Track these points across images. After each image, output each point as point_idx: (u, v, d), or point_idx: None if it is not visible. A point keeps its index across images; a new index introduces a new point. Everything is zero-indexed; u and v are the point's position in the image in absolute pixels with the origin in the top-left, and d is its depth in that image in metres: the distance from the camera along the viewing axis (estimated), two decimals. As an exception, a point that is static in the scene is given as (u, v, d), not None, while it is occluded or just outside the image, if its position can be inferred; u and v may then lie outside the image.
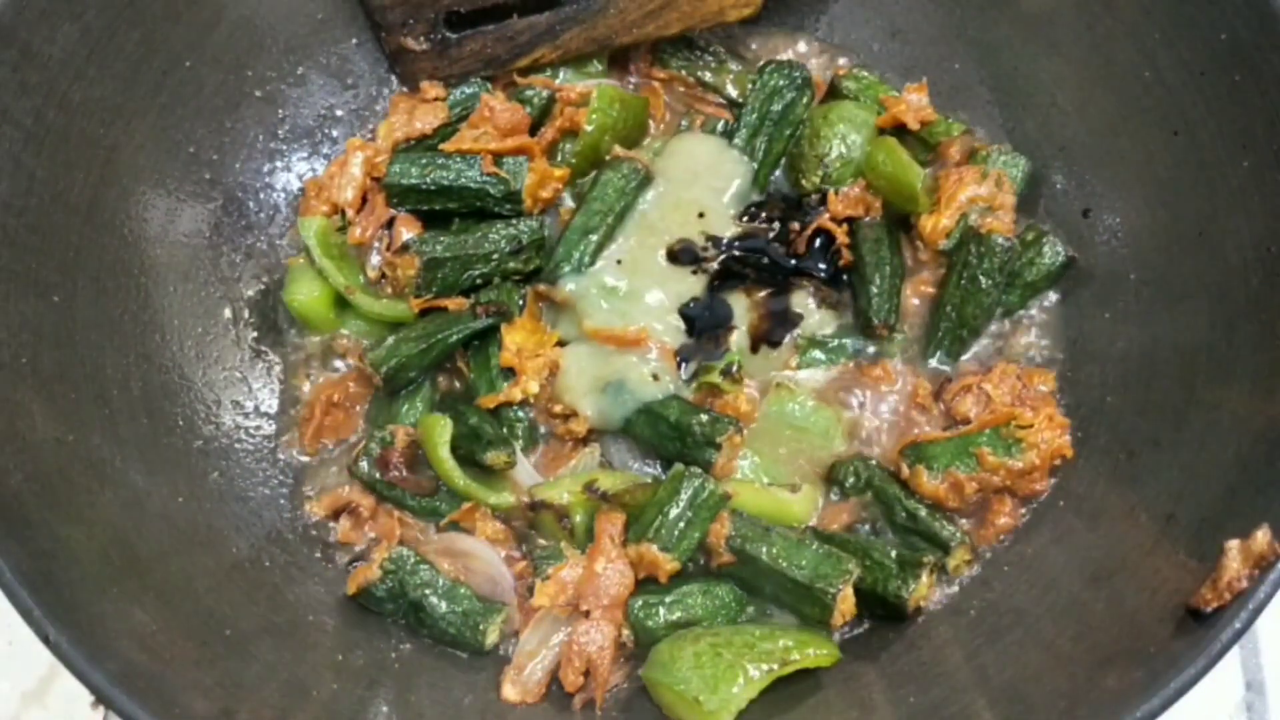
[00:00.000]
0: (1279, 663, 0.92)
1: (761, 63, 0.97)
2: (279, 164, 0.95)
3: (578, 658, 0.79)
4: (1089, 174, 0.90)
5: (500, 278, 0.90)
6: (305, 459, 0.89)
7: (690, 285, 0.89)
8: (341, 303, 0.92)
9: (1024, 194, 0.92)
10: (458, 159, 0.90)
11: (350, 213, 0.92)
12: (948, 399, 0.87)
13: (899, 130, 0.93)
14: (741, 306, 0.89)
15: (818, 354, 0.90)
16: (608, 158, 0.92)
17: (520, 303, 0.90)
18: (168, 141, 0.88)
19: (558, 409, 0.87)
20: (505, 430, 0.87)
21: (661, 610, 0.80)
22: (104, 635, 0.70)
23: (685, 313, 0.89)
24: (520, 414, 0.89)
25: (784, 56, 0.99)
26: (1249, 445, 0.74)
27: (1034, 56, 0.92)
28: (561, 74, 0.97)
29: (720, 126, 0.96)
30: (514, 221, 0.90)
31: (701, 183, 0.93)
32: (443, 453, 0.84)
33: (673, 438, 0.85)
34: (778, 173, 0.96)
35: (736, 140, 0.95)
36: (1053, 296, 0.91)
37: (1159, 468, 0.79)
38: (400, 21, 0.94)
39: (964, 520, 0.85)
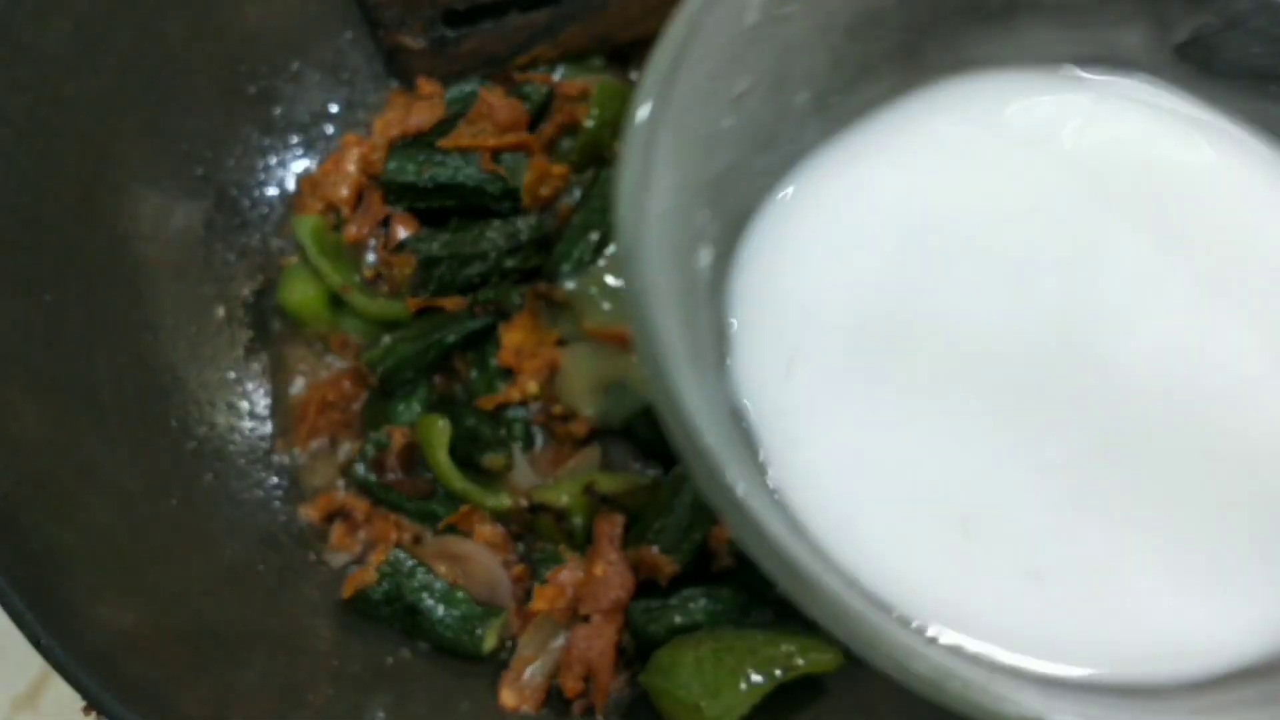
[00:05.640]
0: None
1: (763, 59, 0.97)
2: (273, 161, 0.94)
3: (577, 663, 0.78)
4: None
5: (498, 276, 0.90)
6: (299, 461, 0.89)
7: (695, 288, 0.89)
8: (337, 302, 0.91)
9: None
10: (455, 156, 0.90)
11: (346, 211, 0.92)
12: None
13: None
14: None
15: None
16: (608, 155, 0.92)
17: (519, 301, 0.89)
18: (161, 138, 0.88)
19: (557, 409, 0.86)
20: (504, 431, 0.87)
21: (662, 615, 0.80)
22: (96, 640, 0.69)
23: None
24: (519, 415, 0.88)
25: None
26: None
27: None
28: (560, 70, 0.96)
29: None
30: (512, 219, 0.90)
31: (702, 180, 0.92)
32: (441, 455, 0.83)
33: (674, 439, 0.84)
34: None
35: (737, 138, 0.94)
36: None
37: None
38: (398, 19, 0.93)
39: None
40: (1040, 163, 0.52)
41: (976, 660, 0.44)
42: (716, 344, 0.48)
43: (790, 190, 0.52)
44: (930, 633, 0.44)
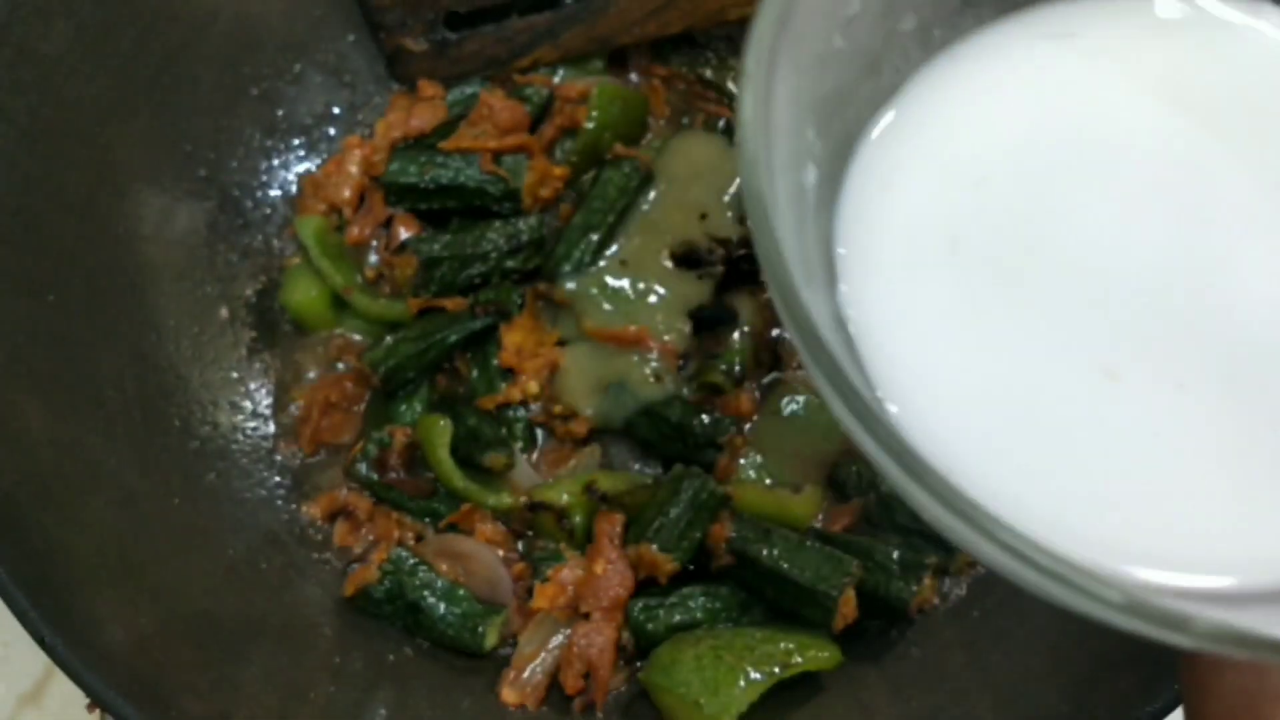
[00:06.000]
0: (1282, 665, 0.92)
1: (762, 61, 0.97)
2: (276, 162, 0.94)
3: (578, 660, 0.78)
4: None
5: (499, 277, 0.90)
6: (302, 460, 0.89)
7: (697, 289, 0.89)
8: (339, 303, 0.91)
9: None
10: (456, 157, 0.90)
11: (348, 212, 0.92)
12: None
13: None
14: (748, 309, 0.89)
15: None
16: (608, 156, 0.92)
17: (519, 302, 0.89)
18: (163, 139, 0.88)
19: (558, 409, 0.87)
20: (504, 431, 0.87)
21: (661, 613, 0.80)
22: (100, 637, 0.69)
23: (692, 315, 0.88)
24: (520, 414, 0.88)
25: (785, 55, 0.99)
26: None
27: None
28: (560, 72, 0.96)
29: (721, 124, 0.96)
30: (513, 220, 0.90)
31: (703, 182, 0.92)
32: (443, 454, 0.83)
33: (674, 438, 0.84)
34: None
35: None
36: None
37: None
38: (399, 21, 0.93)
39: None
40: (1140, 88, 0.53)
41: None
42: (823, 263, 0.49)
43: (892, 114, 0.53)
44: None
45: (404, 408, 0.89)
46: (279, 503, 0.87)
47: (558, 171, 0.91)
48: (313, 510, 0.86)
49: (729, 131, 0.95)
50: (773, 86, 0.43)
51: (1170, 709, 0.65)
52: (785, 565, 0.79)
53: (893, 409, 0.46)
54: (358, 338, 0.92)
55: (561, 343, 0.89)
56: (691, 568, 0.81)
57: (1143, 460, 0.46)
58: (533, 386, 0.86)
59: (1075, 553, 0.42)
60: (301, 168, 0.95)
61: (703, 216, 0.91)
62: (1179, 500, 0.45)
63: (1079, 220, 0.49)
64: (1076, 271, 0.48)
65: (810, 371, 0.40)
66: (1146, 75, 0.53)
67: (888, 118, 0.53)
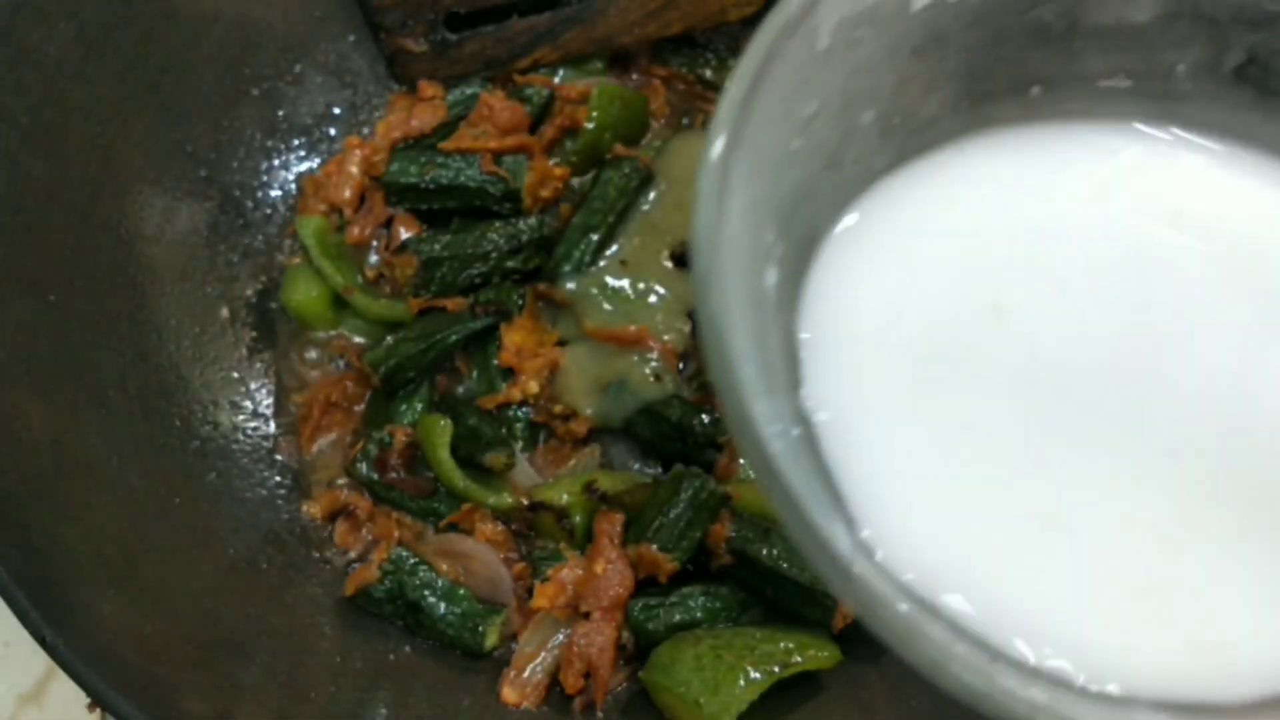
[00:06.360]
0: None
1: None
2: (276, 162, 0.94)
3: (578, 660, 0.78)
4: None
5: (500, 277, 0.90)
6: (303, 460, 0.89)
7: (697, 290, 0.89)
8: (340, 303, 0.91)
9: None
10: (456, 158, 0.90)
11: (348, 212, 0.92)
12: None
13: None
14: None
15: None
16: (608, 156, 0.92)
17: (520, 302, 0.89)
18: (165, 140, 0.88)
19: (558, 409, 0.87)
20: (505, 431, 0.87)
21: (661, 612, 0.80)
22: (101, 637, 0.69)
23: (692, 315, 0.88)
24: (520, 414, 0.88)
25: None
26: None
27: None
28: (561, 72, 0.96)
29: (721, 125, 0.96)
30: (513, 220, 0.90)
31: (703, 183, 0.93)
32: (443, 454, 0.83)
33: (674, 438, 0.85)
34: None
35: (737, 139, 0.94)
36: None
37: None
38: (399, 22, 0.94)
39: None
40: (1099, 199, 0.54)
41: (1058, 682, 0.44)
42: (787, 365, 0.49)
43: (856, 216, 0.53)
44: (1027, 652, 0.44)
45: (404, 408, 0.89)
46: (279, 502, 0.87)
47: (558, 172, 0.91)
48: (313, 510, 0.87)
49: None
50: (727, 199, 0.42)
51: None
52: (785, 565, 0.79)
53: (860, 514, 0.46)
54: (358, 338, 0.92)
55: (561, 343, 0.89)
56: (691, 567, 0.81)
57: (1142, 569, 0.46)
58: (533, 386, 0.86)
59: (1055, 660, 0.43)
60: (302, 168, 0.96)
61: (702, 217, 0.91)
62: (1163, 608, 0.45)
63: (1046, 319, 0.50)
64: (1051, 375, 0.48)
65: (767, 498, 0.40)
66: (1102, 188, 0.54)
67: (852, 218, 0.53)
